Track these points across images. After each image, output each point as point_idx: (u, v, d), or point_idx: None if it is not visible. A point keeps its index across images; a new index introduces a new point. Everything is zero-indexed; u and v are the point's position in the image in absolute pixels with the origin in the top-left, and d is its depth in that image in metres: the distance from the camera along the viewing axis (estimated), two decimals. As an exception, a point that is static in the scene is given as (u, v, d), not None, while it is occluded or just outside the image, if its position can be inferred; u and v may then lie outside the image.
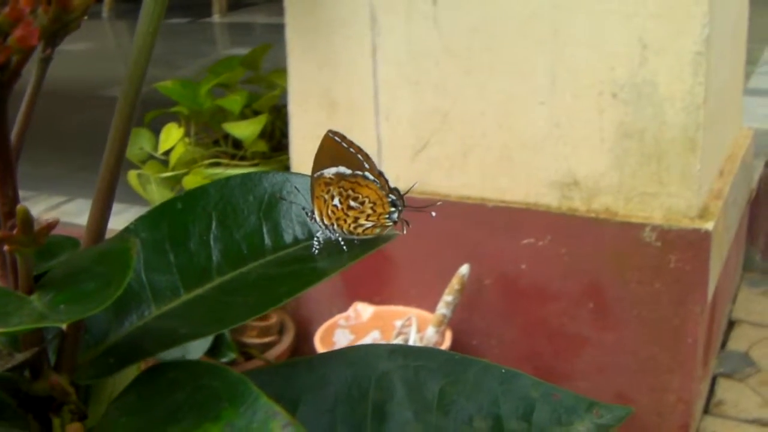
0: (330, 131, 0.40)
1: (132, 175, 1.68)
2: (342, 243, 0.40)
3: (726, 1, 1.42)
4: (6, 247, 0.28)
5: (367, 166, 0.40)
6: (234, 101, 1.64)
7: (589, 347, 1.45)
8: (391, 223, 0.41)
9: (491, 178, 1.45)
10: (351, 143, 0.40)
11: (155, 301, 0.37)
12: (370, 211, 0.40)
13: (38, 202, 1.97)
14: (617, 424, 0.40)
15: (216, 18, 4.60)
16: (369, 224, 0.41)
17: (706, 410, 1.57)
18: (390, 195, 0.40)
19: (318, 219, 0.40)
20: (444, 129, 1.46)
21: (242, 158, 1.68)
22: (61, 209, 1.89)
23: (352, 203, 0.40)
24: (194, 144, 1.68)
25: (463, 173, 1.47)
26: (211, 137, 1.72)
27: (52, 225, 0.28)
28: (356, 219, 0.40)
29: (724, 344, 1.76)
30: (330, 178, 0.40)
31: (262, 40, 1.89)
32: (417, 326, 1.52)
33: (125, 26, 4.51)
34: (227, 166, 1.66)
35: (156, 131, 1.70)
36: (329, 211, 0.40)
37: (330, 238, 0.40)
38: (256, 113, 1.68)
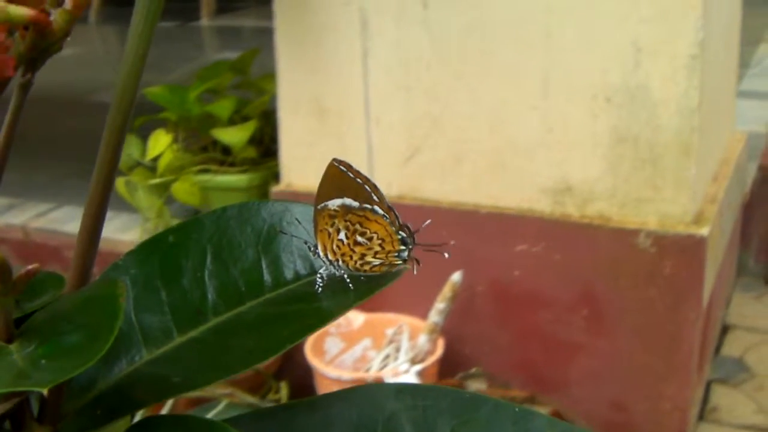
0: (335, 160, 0.37)
1: (120, 183, 1.65)
2: (348, 280, 0.37)
3: (720, 3, 1.41)
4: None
5: (375, 198, 0.37)
6: (223, 107, 1.62)
7: (583, 354, 1.44)
8: (400, 262, 0.38)
9: (484, 184, 1.43)
10: (358, 173, 0.37)
11: (146, 344, 0.34)
12: (378, 248, 0.38)
13: (26, 209, 1.95)
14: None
15: (204, 21, 4.57)
16: (377, 262, 0.38)
17: (701, 417, 1.55)
18: (400, 232, 0.38)
19: (322, 254, 0.38)
20: (435, 134, 1.44)
21: (231, 164, 1.65)
22: (49, 216, 1.87)
23: (359, 239, 0.37)
24: (182, 150, 1.65)
25: (455, 179, 1.45)
26: (200, 143, 1.69)
27: (31, 273, 0.26)
28: (363, 256, 0.38)
29: (718, 349, 1.74)
30: (335, 210, 0.37)
31: (250, 44, 1.87)
32: (409, 334, 1.51)
33: (113, 31, 4.47)
34: (216, 172, 1.64)
35: (144, 137, 1.68)
36: (334, 246, 0.38)
37: (334, 274, 0.38)
38: (245, 119, 1.66)
